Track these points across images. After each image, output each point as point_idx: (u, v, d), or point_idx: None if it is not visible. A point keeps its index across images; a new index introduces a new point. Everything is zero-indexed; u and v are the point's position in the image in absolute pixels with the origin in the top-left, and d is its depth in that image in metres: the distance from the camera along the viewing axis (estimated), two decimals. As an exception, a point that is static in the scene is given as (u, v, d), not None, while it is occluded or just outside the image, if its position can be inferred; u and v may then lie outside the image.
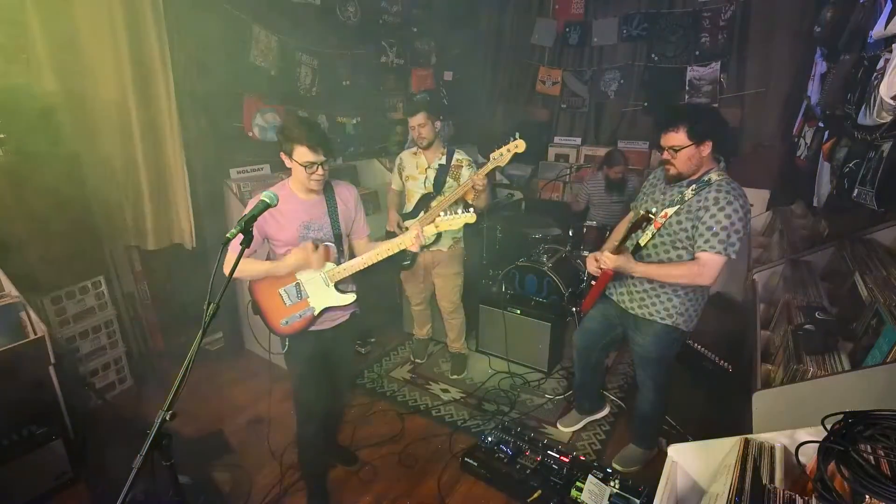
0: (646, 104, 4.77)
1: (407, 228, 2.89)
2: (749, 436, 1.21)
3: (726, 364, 2.65)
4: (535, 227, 3.96)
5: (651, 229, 1.99)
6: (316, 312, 1.92)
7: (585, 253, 3.55)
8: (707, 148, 1.86)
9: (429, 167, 2.82)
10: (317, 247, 1.82)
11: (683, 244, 1.94)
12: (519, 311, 3.25)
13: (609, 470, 2.20)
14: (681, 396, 2.49)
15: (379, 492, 2.30)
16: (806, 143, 3.41)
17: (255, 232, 1.73)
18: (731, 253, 1.84)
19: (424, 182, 2.83)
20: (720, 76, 4.30)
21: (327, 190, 1.93)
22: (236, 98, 3.31)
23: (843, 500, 0.89)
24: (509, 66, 5.40)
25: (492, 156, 2.59)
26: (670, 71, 4.52)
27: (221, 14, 3.08)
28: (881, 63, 2.11)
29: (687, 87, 4.45)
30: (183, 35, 2.77)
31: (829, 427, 1.01)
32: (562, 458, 2.29)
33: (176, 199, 2.97)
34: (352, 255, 1.99)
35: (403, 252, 1.96)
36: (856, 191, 2.29)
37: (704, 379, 2.70)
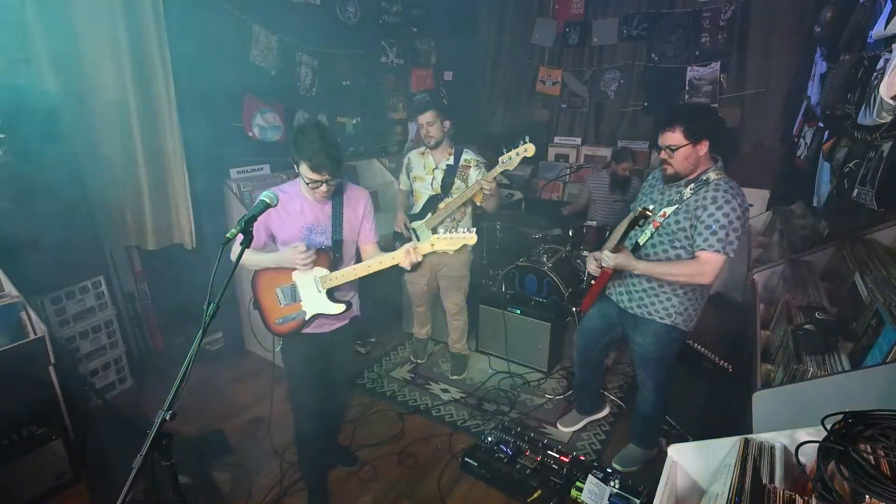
0: (646, 104, 4.77)
1: (414, 230, 2.88)
2: (749, 436, 1.21)
3: (726, 364, 2.65)
4: (535, 227, 3.96)
5: (650, 229, 1.99)
6: (307, 317, 1.91)
7: (585, 253, 3.55)
8: (704, 147, 1.87)
9: (436, 167, 2.79)
10: (315, 252, 1.80)
11: (682, 243, 1.94)
12: (519, 311, 3.25)
13: (609, 470, 2.20)
14: (681, 396, 2.49)
15: (379, 492, 2.30)
16: (806, 143, 3.42)
17: (260, 230, 1.76)
18: (729, 251, 1.84)
19: (432, 183, 2.80)
20: (720, 76, 4.30)
21: (336, 194, 1.90)
22: (236, 98, 3.31)
23: (843, 500, 0.89)
24: (509, 66, 5.40)
25: (500, 159, 2.54)
26: (670, 71, 4.52)
27: (221, 14, 3.08)
28: (881, 63, 2.11)
29: (687, 87, 4.45)
30: (183, 35, 2.77)
31: (828, 427, 1.00)
32: (562, 457, 2.29)
33: (176, 199, 2.97)
34: (359, 261, 1.97)
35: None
36: (856, 191, 2.29)
37: (704, 379, 2.70)
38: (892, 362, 1.44)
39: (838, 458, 0.92)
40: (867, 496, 0.85)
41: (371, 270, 1.84)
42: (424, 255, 1.76)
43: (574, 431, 2.69)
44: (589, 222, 3.79)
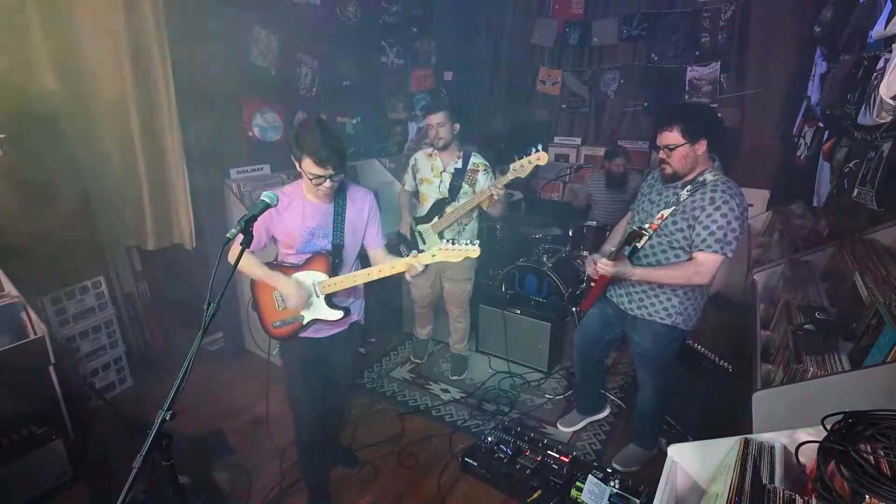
0: (646, 104, 4.77)
1: (419, 233, 2.86)
2: (749, 436, 1.21)
3: (726, 364, 2.64)
4: (535, 227, 3.96)
5: (647, 230, 1.99)
6: (304, 322, 1.88)
7: (585, 253, 3.56)
8: (702, 147, 1.87)
9: (444, 170, 2.76)
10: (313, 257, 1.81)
11: (680, 244, 1.95)
12: (519, 311, 3.25)
13: (609, 470, 2.20)
14: (681, 396, 2.49)
15: (379, 492, 2.30)
16: (806, 143, 3.42)
17: (261, 232, 1.74)
18: (727, 252, 1.85)
19: (440, 186, 2.77)
20: (720, 76, 4.30)
21: (339, 196, 1.86)
22: (236, 98, 3.32)
23: (843, 500, 0.89)
24: (509, 66, 5.40)
25: (512, 166, 2.49)
26: (670, 71, 4.52)
27: (221, 14, 3.08)
28: (881, 63, 2.11)
29: (687, 87, 4.45)
30: (183, 35, 2.77)
31: (829, 427, 1.00)
32: (562, 457, 2.29)
33: (176, 199, 2.97)
34: (367, 265, 1.92)
35: (414, 249, 1.93)
36: (856, 191, 2.29)
37: (704, 379, 2.69)
38: (892, 362, 1.44)
39: (838, 458, 0.92)
40: (867, 496, 0.85)
41: (371, 279, 1.81)
42: (426, 265, 1.74)
43: (574, 431, 2.69)
44: (589, 222, 3.79)
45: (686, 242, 1.93)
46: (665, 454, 1.34)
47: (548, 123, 5.37)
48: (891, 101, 1.96)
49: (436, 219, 2.79)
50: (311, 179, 1.69)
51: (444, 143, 2.69)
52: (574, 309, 3.34)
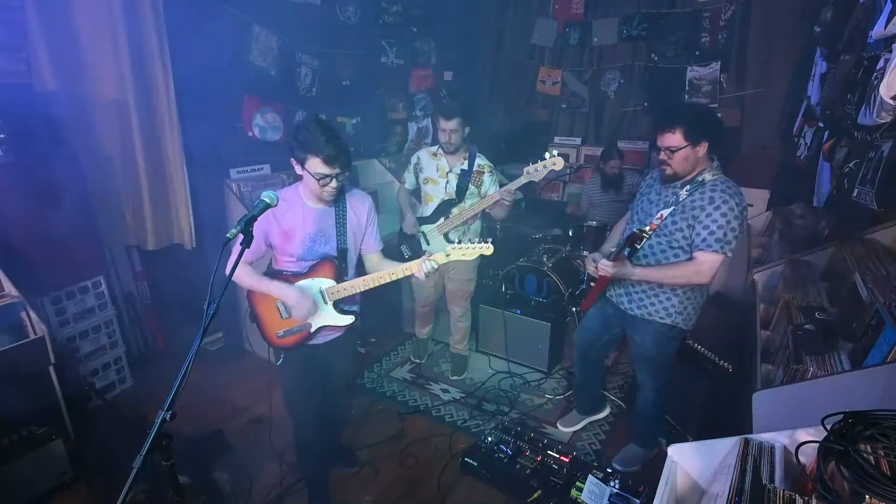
0: (646, 104, 4.77)
1: (424, 234, 2.84)
2: (749, 436, 1.21)
3: (726, 364, 2.65)
4: (535, 227, 3.96)
5: (647, 232, 1.99)
6: (312, 329, 1.84)
7: (585, 253, 3.55)
8: (703, 148, 1.87)
9: (450, 171, 2.74)
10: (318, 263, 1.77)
11: (679, 244, 1.95)
12: (519, 311, 3.25)
13: (609, 470, 2.20)
14: (681, 396, 2.49)
15: (379, 492, 2.30)
16: (806, 143, 3.41)
17: (259, 239, 1.66)
18: (727, 251, 1.85)
19: (446, 187, 2.75)
20: (720, 76, 4.30)
21: (339, 200, 1.81)
22: (236, 98, 3.32)
23: (843, 501, 0.89)
24: (509, 66, 5.40)
25: (526, 170, 2.48)
26: (670, 71, 4.51)
27: (221, 14, 3.08)
28: (881, 63, 2.11)
29: (687, 88, 4.45)
30: (183, 35, 2.77)
31: (829, 427, 1.00)
32: (562, 457, 2.29)
33: (175, 199, 2.97)
34: (362, 271, 1.89)
35: (417, 252, 1.91)
36: (856, 191, 2.29)
37: (704, 379, 2.70)
38: (892, 362, 1.44)
39: (838, 458, 0.92)
40: (867, 496, 0.85)
41: (383, 282, 1.77)
42: (439, 265, 1.72)
43: (574, 431, 2.69)
44: (589, 222, 3.79)
45: (686, 242, 1.93)
46: (665, 454, 1.34)
47: (548, 123, 5.36)
48: (891, 101, 1.96)
49: (441, 220, 2.77)
50: (318, 180, 1.63)
51: (455, 147, 2.68)
52: (574, 309, 3.34)
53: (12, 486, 2.07)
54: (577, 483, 2.13)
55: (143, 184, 2.84)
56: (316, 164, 1.61)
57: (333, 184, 1.66)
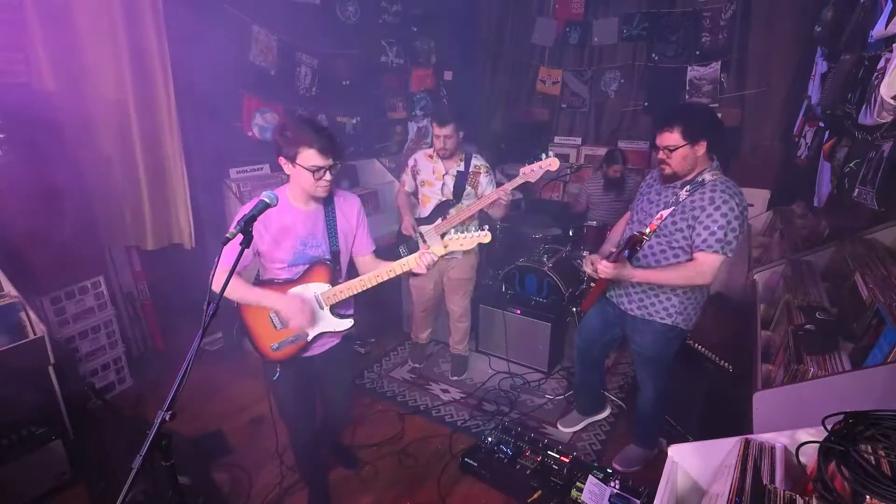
0: (646, 104, 4.77)
1: (421, 234, 2.85)
2: (749, 436, 1.21)
3: (726, 364, 2.64)
4: (535, 227, 3.96)
5: (648, 235, 1.99)
6: (310, 338, 1.76)
7: (585, 253, 3.55)
8: (702, 148, 1.86)
9: (446, 173, 2.76)
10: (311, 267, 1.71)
11: (679, 244, 1.94)
12: (519, 311, 3.25)
13: (609, 470, 2.20)
14: (681, 396, 2.49)
15: (379, 492, 2.30)
16: (806, 143, 3.41)
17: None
18: (727, 252, 1.85)
19: (442, 188, 2.77)
20: (720, 76, 4.30)
21: (328, 201, 1.76)
22: (236, 98, 3.31)
23: (844, 501, 0.89)
24: (509, 66, 5.40)
25: (522, 170, 2.50)
26: (670, 71, 4.52)
27: (221, 14, 3.08)
28: (881, 63, 2.11)
29: (687, 87, 4.45)
30: (183, 35, 2.77)
31: (829, 427, 1.00)
32: (562, 458, 2.29)
33: (175, 200, 2.97)
34: (354, 274, 1.80)
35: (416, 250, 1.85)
36: (856, 191, 2.28)
37: (704, 379, 2.69)
38: (893, 362, 1.44)
39: (839, 458, 0.92)
40: (868, 496, 0.84)
41: (381, 280, 1.70)
42: (449, 257, 1.69)
43: (574, 432, 2.69)
44: (589, 222, 3.79)
45: (686, 243, 1.93)
46: (665, 454, 1.34)
47: (548, 123, 5.37)
48: (891, 101, 1.96)
49: (439, 220, 2.79)
50: (313, 173, 1.57)
51: (450, 153, 2.70)
52: (574, 309, 3.34)
53: (12, 486, 2.07)
54: (578, 483, 2.13)
55: (143, 184, 2.84)
56: (310, 157, 1.56)
57: (328, 176, 1.60)
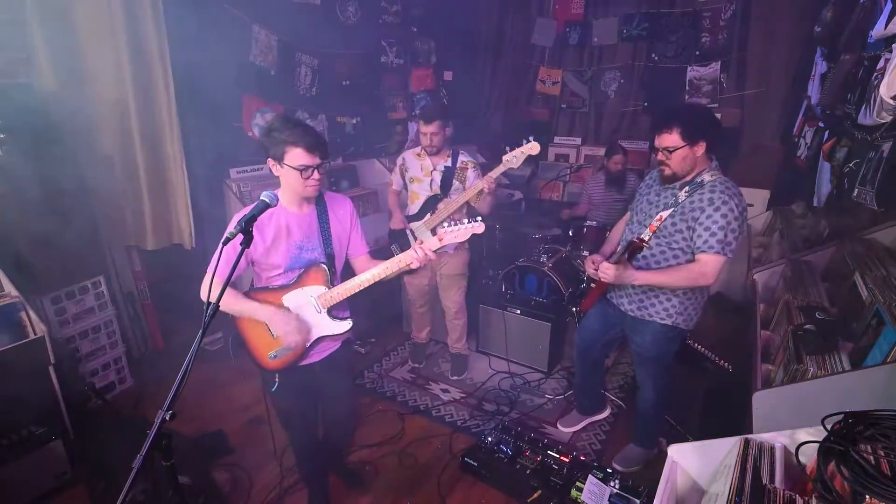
0: (646, 104, 4.77)
1: (412, 231, 2.87)
2: (749, 436, 1.21)
3: (726, 364, 2.65)
4: (535, 227, 3.96)
5: (647, 233, 1.99)
6: (308, 343, 1.74)
7: (585, 253, 3.55)
8: (701, 148, 1.86)
9: (434, 169, 2.80)
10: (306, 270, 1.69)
11: (679, 245, 1.94)
12: (519, 311, 3.25)
13: (609, 470, 2.20)
14: (681, 396, 2.49)
15: (379, 492, 2.30)
16: (806, 143, 3.41)
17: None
18: (728, 252, 1.85)
19: (430, 184, 2.81)
20: (720, 76, 4.30)
21: (319, 204, 1.75)
22: (236, 98, 3.31)
23: (844, 500, 0.89)
24: (509, 66, 5.40)
25: (504, 158, 2.53)
26: (670, 71, 4.52)
27: (221, 14, 3.08)
28: (881, 63, 2.11)
29: (687, 87, 4.45)
30: (183, 35, 2.77)
31: (829, 427, 1.00)
32: (562, 458, 2.29)
33: (175, 200, 2.97)
34: (350, 275, 1.77)
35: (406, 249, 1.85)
36: (856, 191, 2.29)
37: (704, 379, 2.70)
38: (892, 362, 1.44)
39: (838, 458, 0.92)
40: (867, 496, 0.85)
41: (378, 278, 1.69)
42: (442, 254, 1.69)
43: (574, 432, 2.69)
44: (589, 222, 3.79)
45: (686, 244, 1.93)
46: (665, 454, 1.34)
47: (548, 123, 5.37)
48: (891, 101, 1.96)
49: (428, 215, 2.82)
50: (300, 172, 1.56)
51: (437, 149, 2.74)
52: (574, 309, 3.34)
53: (12, 486, 2.07)
54: (577, 483, 2.13)
55: (143, 184, 2.84)
56: (297, 156, 1.55)
57: (316, 175, 1.59)
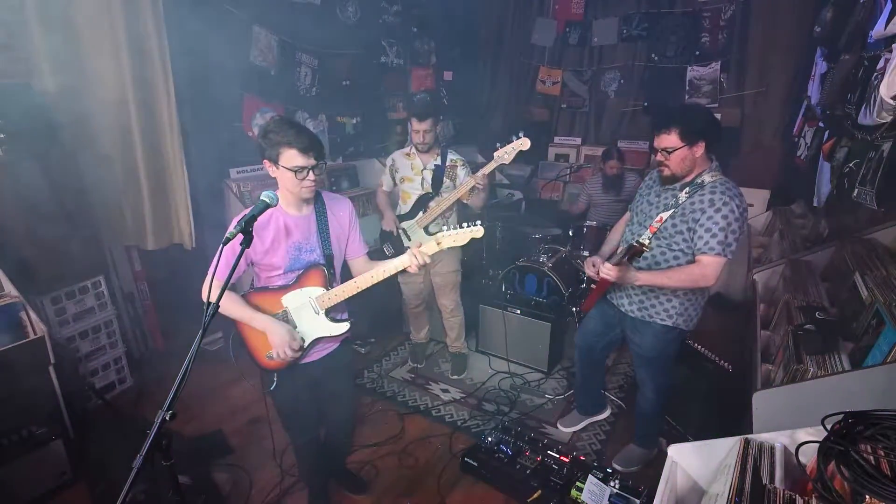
0: (646, 104, 4.77)
1: (404, 230, 2.87)
2: (749, 436, 1.21)
3: (726, 364, 2.64)
4: (535, 227, 3.96)
5: (647, 234, 1.99)
6: (306, 344, 1.74)
7: (585, 253, 3.56)
8: (700, 149, 1.86)
9: (424, 168, 2.82)
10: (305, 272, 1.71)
11: (680, 246, 1.94)
12: (519, 311, 3.25)
13: (609, 470, 2.20)
14: (681, 396, 2.49)
15: (379, 492, 2.30)
16: (806, 143, 3.42)
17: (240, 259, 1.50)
18: (728, 254, 1.85)
19: (421, 183, 2.83)
20: (720, 76, 4.30)
21: (318, 205, 1.75)
22: (236, 98, 3.31)
23: (843, 500, 0.89)
24: (509, 67, 5.41)
25: (495, 154, 2.56)
26: (670, 71, 4.52)
27: (221, 14, 3.08)
28: (881, 63, 2.11)
29: (687, 87, 4.45)
30: (183, 35, 2.77)
31: (829, 427, 1.00)
32: (562, 458, 2.29)
33: (175, 200, 2.97)
34: (347, 277, 1.78)
35: (400, 249, 1.86)
36: (856, 191, 2.29)
37: (704, 379, 2.70)
38: (892, 362, 1.44)
39: (838, 458, 0.92)
40: (867, 496, 0.85)
41: (375, 281, 1.70)
42: (432, 255, 1.67)
43: (574, 432, 2.69)
44: (589, 222, 3.79)
45: (686, 245, 1.93)
46: (665, 454, 1.34)
47: (548, 123, 5.37)
48: (891, 101, 1.96)
49: (420, 214, 2.83)
50: (295, 173, 1.56)
51: (429, 146, 2.75)
52: (574, 309, 3.34)
53: (12, 486, 2.07)
54: (578, 483, 2.13)
55: (143, 184, 2.84)
56: (291, 157, 1.55)
57: (311, 177, 1.59)
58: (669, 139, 1.85)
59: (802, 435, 1.13)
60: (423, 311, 3.26)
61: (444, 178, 2.81)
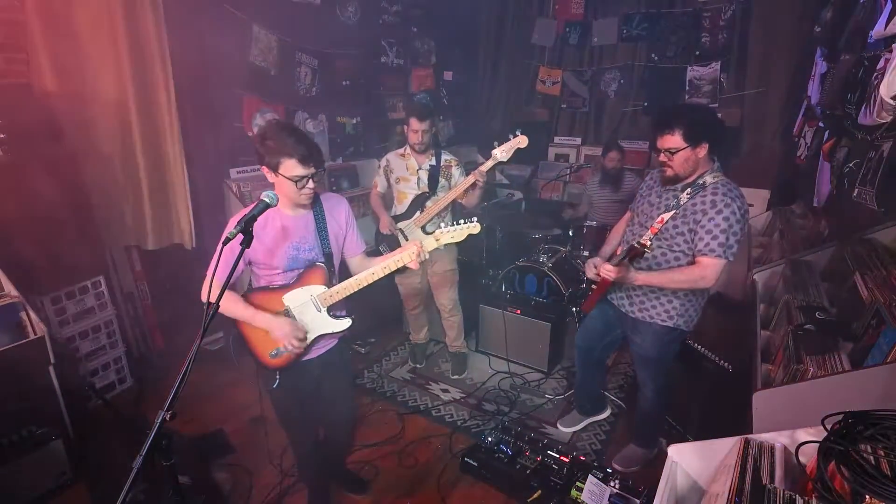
0: (646, 104, 4.77)
1: (401, 230, 2.87)
2: (749, 436, 1.21)
3: (726, 364, 2.64)
4: (535, 227, 3.96)
5: (648, 235, 1.99)
6: (308, 340, 1.75)
7: (585, 253, 3.56)
8: (703, 150, 1.85)
9: (420, 168, 2.82)
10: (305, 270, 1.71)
11: (681, 247, 1.94)
12: (519, 311, 3.25)
13: (609, 470, 2.20)
14: (681, 396, 2.49)
15: (379, 492, 2.30)
16: (806, 143, 3.41)
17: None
18: (728, 256, 1.84)
19: (418, 183, 2.83)
20: (720, 76, 4.30)
21: (315, 204, 1.75)
22: (236, 98, 3.31)
23: (843, 500, 0.89)
24: (509, 66, 5.41)
25: (493, 152, 2.57)
26: (670, 71, 4.52)
27: (221, 14, 3.08)
28: (881, 63, 2.11)
29: (687, 87, 4.45)
30: (183, 35, 2.77)
31: (829, 427, 1.00)
32: (562, 458, 2.29)
33: (176, 199, 2.97)
34: (347, 275, 1.79)
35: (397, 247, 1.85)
36: (856, 191, 2.29)
37: (704, 379, 2.70)
38: (892, 362, 1.44)
39: (838, 458, 0.92)
40: (867, 496, 0.84)
41: (375, 278, 1.71)
42: (431, 252, 1.69)
43: (574, 432, 2.69)
44: (589, 222, 3.79)
45: (687, 246, 1.93)
46: (665, 454, 1.33)
47: (548, 123, 5.37)
48: (891, 101, 1.96)
49: (417, 214, 2.83)
50: (295, 182, 1.57)
51: (425, 146, 2.75)
52: (574, 309, 3.34)
53: (12, 486, 2.07)
54: (578, 483, 2.13)
55: (144, 184, 2.84)
56: (291, 167, 1.55)
57: (311, 184, 1.61)
58: (672, 140, 1.84)
59: (802, 435, 1.13)
60: (422, 311, 3.26)
61: (440, 178, 2.81)
